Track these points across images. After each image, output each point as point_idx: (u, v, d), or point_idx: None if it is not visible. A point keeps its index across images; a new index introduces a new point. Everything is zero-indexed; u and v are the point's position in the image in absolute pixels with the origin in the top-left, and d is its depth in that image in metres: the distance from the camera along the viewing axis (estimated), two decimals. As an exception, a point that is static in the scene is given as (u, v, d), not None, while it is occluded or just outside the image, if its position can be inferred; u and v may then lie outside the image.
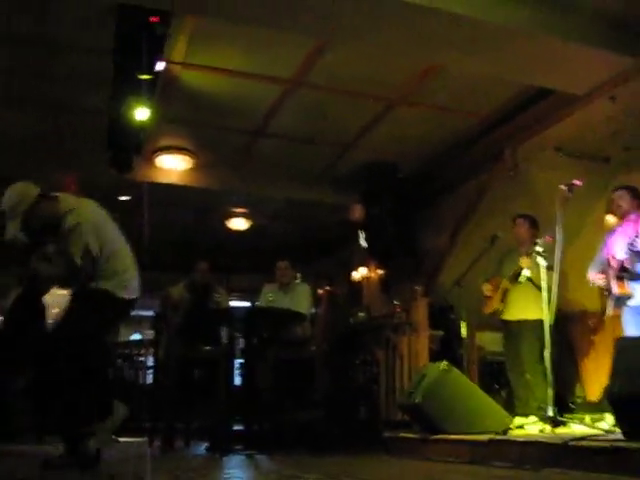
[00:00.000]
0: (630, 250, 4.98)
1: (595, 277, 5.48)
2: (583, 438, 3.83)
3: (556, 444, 3.73)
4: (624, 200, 5.41)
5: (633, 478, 3.10)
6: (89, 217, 4.03)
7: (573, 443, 3.62)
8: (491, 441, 4.33)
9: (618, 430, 3.76)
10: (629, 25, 5.57)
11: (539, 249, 5.24)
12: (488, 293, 6.35)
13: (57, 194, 4.08)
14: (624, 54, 5.70)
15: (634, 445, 3.24)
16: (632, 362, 3.52)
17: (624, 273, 5.10)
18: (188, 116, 7.51)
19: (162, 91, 6.59)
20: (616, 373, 3.61)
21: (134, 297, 4.16)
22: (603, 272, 5.40)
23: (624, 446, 3.31)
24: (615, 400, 3.57)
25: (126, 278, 4.10)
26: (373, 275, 10.82)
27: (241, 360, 6.90)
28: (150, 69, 5.76)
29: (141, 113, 6.19)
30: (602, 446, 3.44)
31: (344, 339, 7.68)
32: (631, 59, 5.72)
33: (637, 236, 4.94)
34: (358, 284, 11.29)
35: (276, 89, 6.91)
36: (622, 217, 5.41)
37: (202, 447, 5.91)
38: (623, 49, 5.69)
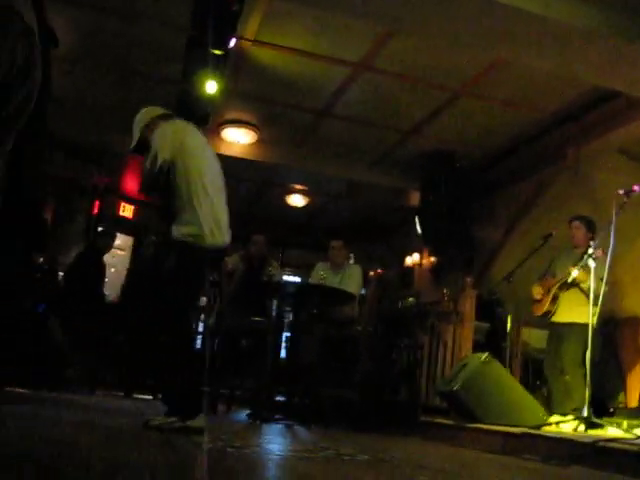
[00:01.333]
0: None
1: None
2: (613, 440, 3.89)
3: (585, 443, 3.80)
4: None
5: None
6: (187, 136, 4.10)
7: (602, 444, 3.68)
8: (524, 434, 4.41)
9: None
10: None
11: (591, 251, 5.25)
12: (538, 297, 6.34)
13: (175, 119, 4.18)
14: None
15: (661, 451, 3.31)
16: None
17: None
18: (255, 92, 7.69)
19: (232, 66, 6.77)
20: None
21: (223, 244, 4.12)
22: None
23: (651, 451, 3.38)
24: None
25: (216, 219, 4.10)
26: (425, 262, 10.88)
27: (288, 334, 7.07)
28: (223, 44, 5.93)
29: (211, 86, 6.37)
30: (630, 449, 3.50)
31: (390, 322, 7.80)
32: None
33: None
34: (410, 270, 11.37)
35: (343, 71, 7.02)
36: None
37: (244, 414, 6.11)
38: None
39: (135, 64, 7.24)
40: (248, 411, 6.03)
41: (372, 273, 11.31)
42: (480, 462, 4.02)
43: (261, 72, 7.14)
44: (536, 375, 7.63)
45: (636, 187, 5.07)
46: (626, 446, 3.60)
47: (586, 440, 3.87)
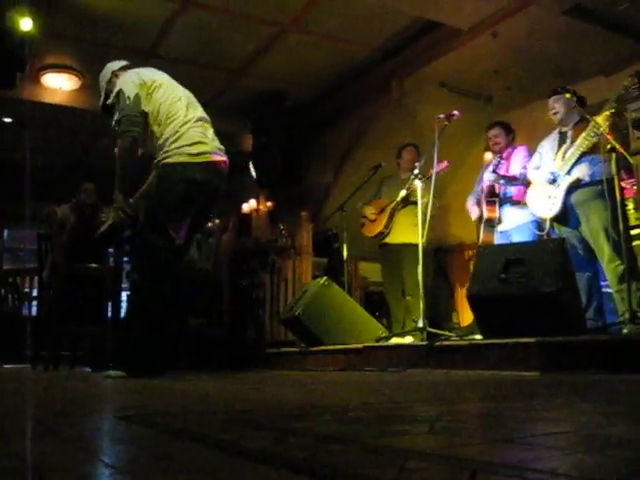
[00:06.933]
0: (495, 172, 5.33)
1: (470, 208, 5.84)
2: (446, 339, 4.16)
3: (421, 346, 4.03)
4: (500, 137, 5.76)
5: (486, 370, 3.41)
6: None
7: (437, 344, 3.92)
8: (365, 348, 4.60)
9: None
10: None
11: (417, 172, 5.49)
12: (373, 217, 6.55)
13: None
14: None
15: (487, 341, 3.56)
16: (488, 267, 3.83)
17: (494, 198, 5.48)
18: (75, 32, 7.26)
19: (48, 5, 6.40)
20: (475, 277, 3.92)
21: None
22: (478, 202, 5.77)
23: (479, 343, 3.63)
24: (473, 301, 3.89)
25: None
26: (262, 207, 10.93)
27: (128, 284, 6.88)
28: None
29: (25, 24, 5.98)
30: (461, 344, 3.76)
31: (231, 263, 7.79)
32: (511, -5, 6.02)
33: (501, 159, 5.30)
34: (247, 216, 11.38)
35: (167, 8, 6.79)
36: (499, 153, 5.75)
37: (87, 369, 5.98)
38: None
39: None
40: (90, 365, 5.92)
41: (210, 224, 11.21)
42: (318, 378, 4.14)
43: (80, 11, 6.74)
44: (375, 307, 7.95)
45: (455, 112, 5.34)
46: (458, 343, 3.85)
47: (422, 344, 4.10)
